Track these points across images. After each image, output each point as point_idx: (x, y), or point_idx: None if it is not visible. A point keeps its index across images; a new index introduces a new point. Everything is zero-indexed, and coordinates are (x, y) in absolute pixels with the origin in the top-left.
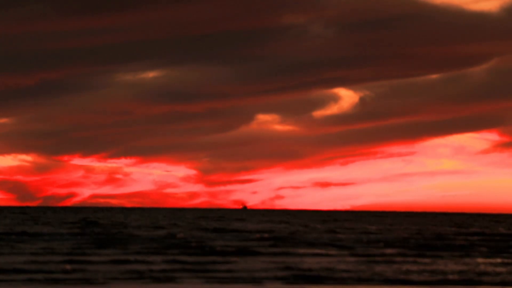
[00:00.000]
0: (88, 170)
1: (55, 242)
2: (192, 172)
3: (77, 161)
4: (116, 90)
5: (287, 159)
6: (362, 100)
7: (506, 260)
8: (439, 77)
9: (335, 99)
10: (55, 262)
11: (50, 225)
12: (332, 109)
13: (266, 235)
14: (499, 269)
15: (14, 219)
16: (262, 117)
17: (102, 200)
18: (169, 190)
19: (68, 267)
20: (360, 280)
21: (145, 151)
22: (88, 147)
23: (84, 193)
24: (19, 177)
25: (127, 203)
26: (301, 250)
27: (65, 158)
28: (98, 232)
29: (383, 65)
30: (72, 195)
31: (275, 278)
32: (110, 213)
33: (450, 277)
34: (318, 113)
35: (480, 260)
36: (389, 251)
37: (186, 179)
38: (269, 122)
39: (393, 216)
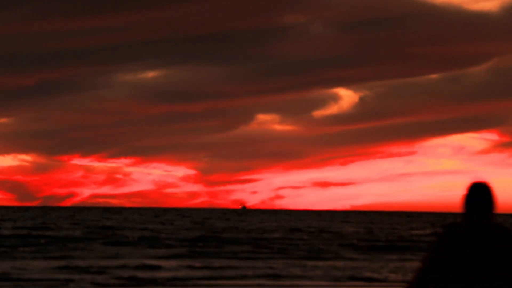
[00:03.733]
0: (88, 170)
1: None
2: (192, 172)
3: (77, 161)
4: (116, 90)
5: (287, 159)
6: (362, 100)
7: None
8: (439, 77)
9: (335, 99)
10: None
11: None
12: (332, 109)
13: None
14: None
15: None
16: (262, 117)
17: (102, 200)
18: (169, 190)
19: None
20: None
21: (145, 151)
22: (88, 147)
23: (84, 193)
24: (19, 177)
25: (127, 203)
26: None
27: (65, 158)
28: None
29: (383, 65)
30: (72, 195)
31: None
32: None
33: None
34: (318, 113)
35: None
36: None
37: (186, 179)
38: (269, 122)
39: (417, 215)
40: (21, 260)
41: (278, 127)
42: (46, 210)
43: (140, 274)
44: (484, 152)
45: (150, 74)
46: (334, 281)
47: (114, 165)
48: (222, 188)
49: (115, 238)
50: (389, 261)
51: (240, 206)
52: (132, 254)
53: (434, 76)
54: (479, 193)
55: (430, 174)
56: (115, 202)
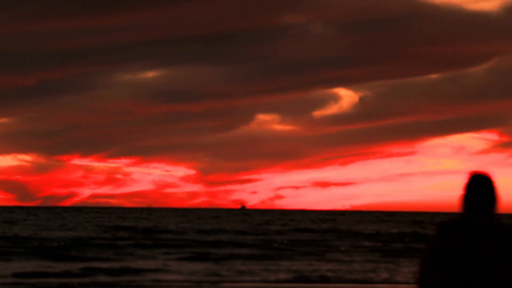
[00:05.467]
0: (88, 170)
1: None
2: (191, 172)
3: (77, 161)
4: (116, 90)
5: (287, 159)
6: (362, 100)
7: None
8: (439, 77)
9: (335, 99)
10: None
11: None
12: (332, 109)
13: None
14: None
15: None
16: (262, 117)
17: (101, 200)
18: (169, 190)
19: None
20: None
21: (145, 151)
22: (88, 147)
23: (84, 193)
24: (19, 177)
25: (127, 203)
26: None
27: (65, 158)
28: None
29: (383, 65)
30: (72, 195)
31: None
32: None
33: None
34: (318, 113)
35: None
36: None
37: (186, 179)
38: (269, 122)
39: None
40: (48, 261)
41: (278, 127)
42: (64, 210)
43: (166, 277)
44: (484, 152)
45: (150, 74)
46: None
47: (114, 165)
48: (222, 188)
49: (138, 240)
50: None
51: (239, 206)
52: (157, 256)
53: (434, 76)
54: (479, 187)
55: (430, 174)
56: (115, 202)
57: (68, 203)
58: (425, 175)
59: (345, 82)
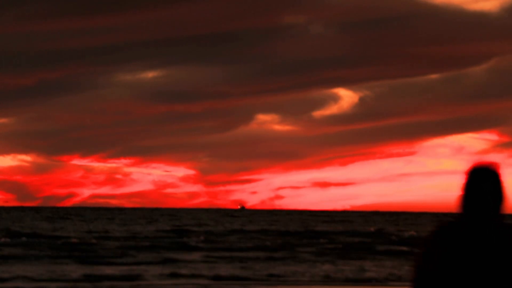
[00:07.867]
0: (88, 170)
1: None
2: (191, 172)
3: (77, 161)
4: (116, 90)
5: (287, 159)
6: (361, 100)
7: None
8: (439, 77)
9: (335, 99)
10: None
11: None
12: (331, 109)
13: None
14: None
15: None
16: (261, 117)
17: (101, 200)
18: (168, 190)
19: None
20: None
21: (145, 151)
22: (87, 147)
23: (84, 193)
24: (19, 177)
25: (127, 203)
26: None
27: (65, 158)
28: None
29: (383, 65)
30: (71, 195)
31: None
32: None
33: None
34: (318, 113)
35: None
36: None
37: (186, 179)
38: (269, 122)
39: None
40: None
41: (278, 127)
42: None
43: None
44: (484, 152)
45: (150, 74)
46: None
47: (113, 165)
48: (221, 188)
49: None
50: None
51: (239, 206)
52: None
53: (434, 76)
54: (483, 181)
55: (430, 174)
56: (115, 202)
57: (68, 203)
58: (425, 175)
59: (345, 82)
